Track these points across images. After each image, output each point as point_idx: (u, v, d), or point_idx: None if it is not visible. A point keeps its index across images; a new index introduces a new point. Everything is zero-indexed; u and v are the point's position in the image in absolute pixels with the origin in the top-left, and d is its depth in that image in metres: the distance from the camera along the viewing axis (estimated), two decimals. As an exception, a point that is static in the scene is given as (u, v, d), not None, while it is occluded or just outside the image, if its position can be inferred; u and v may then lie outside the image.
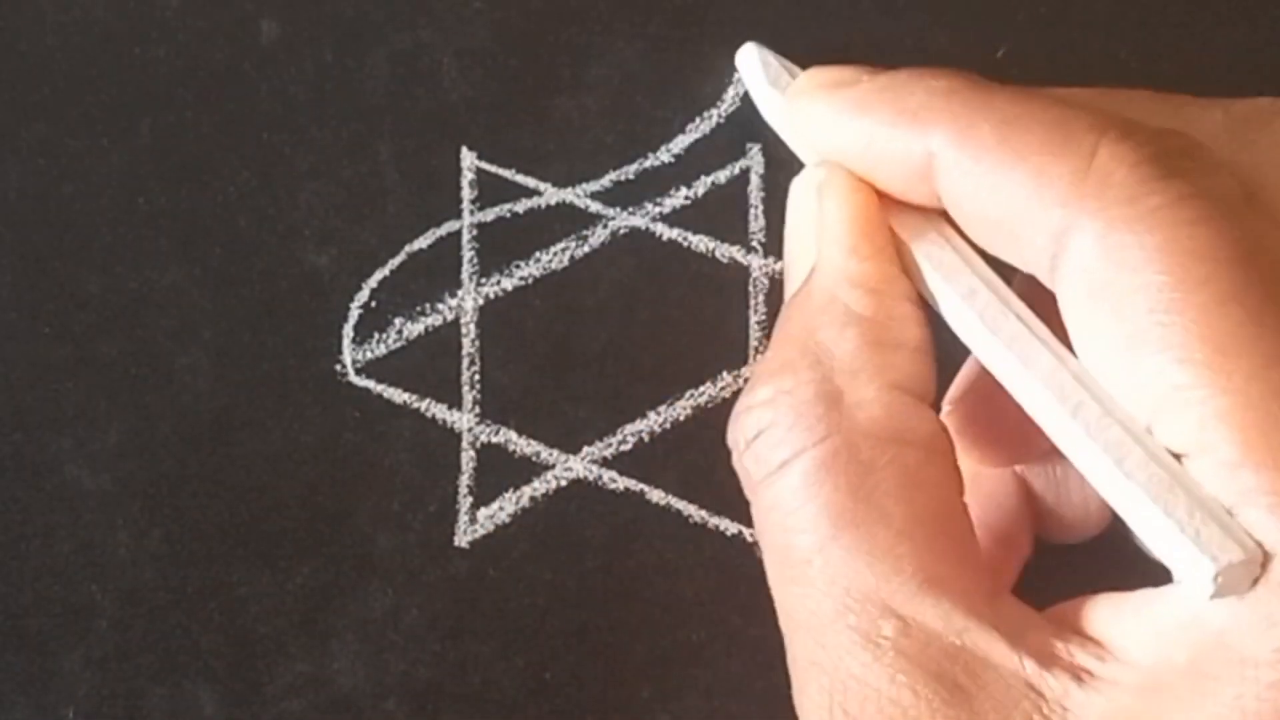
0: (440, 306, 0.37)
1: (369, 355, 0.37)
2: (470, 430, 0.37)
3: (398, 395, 0.37)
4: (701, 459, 0.37)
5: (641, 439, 0.37)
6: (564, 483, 0.37)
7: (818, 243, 0.30)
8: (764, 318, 0.37)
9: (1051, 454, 0.30)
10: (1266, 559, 0.25)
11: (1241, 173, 0.27)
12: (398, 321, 0.37)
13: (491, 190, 0.37)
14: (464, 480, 0.37)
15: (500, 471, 0.37)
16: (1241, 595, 0.25)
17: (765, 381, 0.29)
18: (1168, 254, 0.25)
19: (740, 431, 0.30)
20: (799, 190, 0.32)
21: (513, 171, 0.37)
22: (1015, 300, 0.29)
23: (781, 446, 0.29)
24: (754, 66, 0.34)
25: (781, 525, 0.29)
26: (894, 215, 0.30)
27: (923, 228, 0.30)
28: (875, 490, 0.28)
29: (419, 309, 0.37)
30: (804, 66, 0.34)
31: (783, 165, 0.37)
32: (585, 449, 0.37)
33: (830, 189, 0.31)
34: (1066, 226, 0.26)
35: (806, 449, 0.28)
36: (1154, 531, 0.26)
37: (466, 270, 0.37)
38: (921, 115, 0.29)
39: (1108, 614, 0.28)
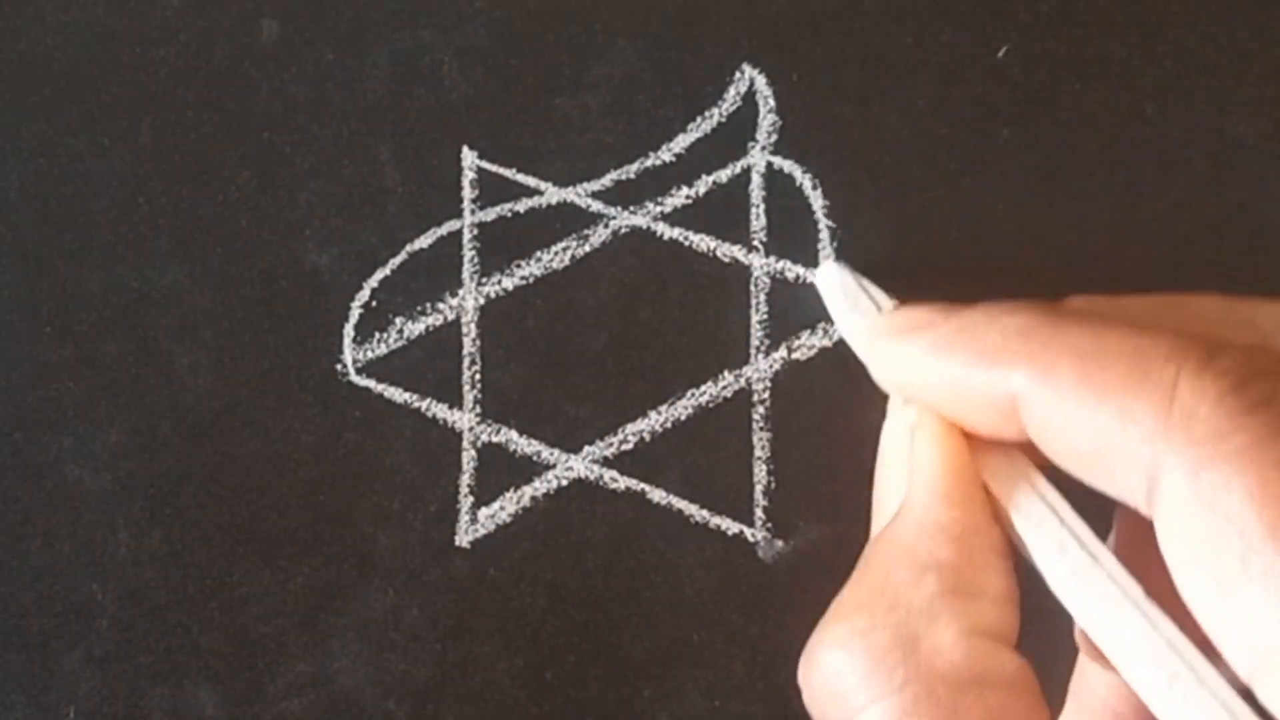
0: (441, 306, 0.37)
1: (370, 355, 0.37)
2: (471, 430, 0.37)
3: (398, 395, 0.37)
4: (702, 459, 0.37)
5: (642, 438, 0.37)
6: (565, 482, 0.37)
7: (909, 485, 0.30)
8: (765, 317, 0.37)
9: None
10: None
11: None
12: (398, 321, 0.37)
13: (492, 190, 0.37)
14: (465, 480, 0.37)
15: (501, 471, 0.37)
16: None
17: (841, 619, 0.29)
18: (1260, 498, 0.25)
19: (813, 670, 0.29)
20: (892, 429, 0.32)
21: (514, 171, 0.37)
22: (1107, 556, 0.29)
23: (858, 692, 0.28)
24: (834, 290, 0.35)
25: None
26: (983, 459, 0.30)
27: (1012, 474, 0.30)
28: None
29: (420, 308, 0.37)
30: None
31: (783, 166, 0.37)
32: (586, 448, 0.37)
33: (923, 431, 0.31)
34: (1157, 463, 0.26)
35: (885, 695, 0.28)
36: None
37: (467, 270, 0.37)
38: (1000, 356, 0.29)
39: None
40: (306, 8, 0.37)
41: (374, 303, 0.37)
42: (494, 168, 0.37)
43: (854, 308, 0.34)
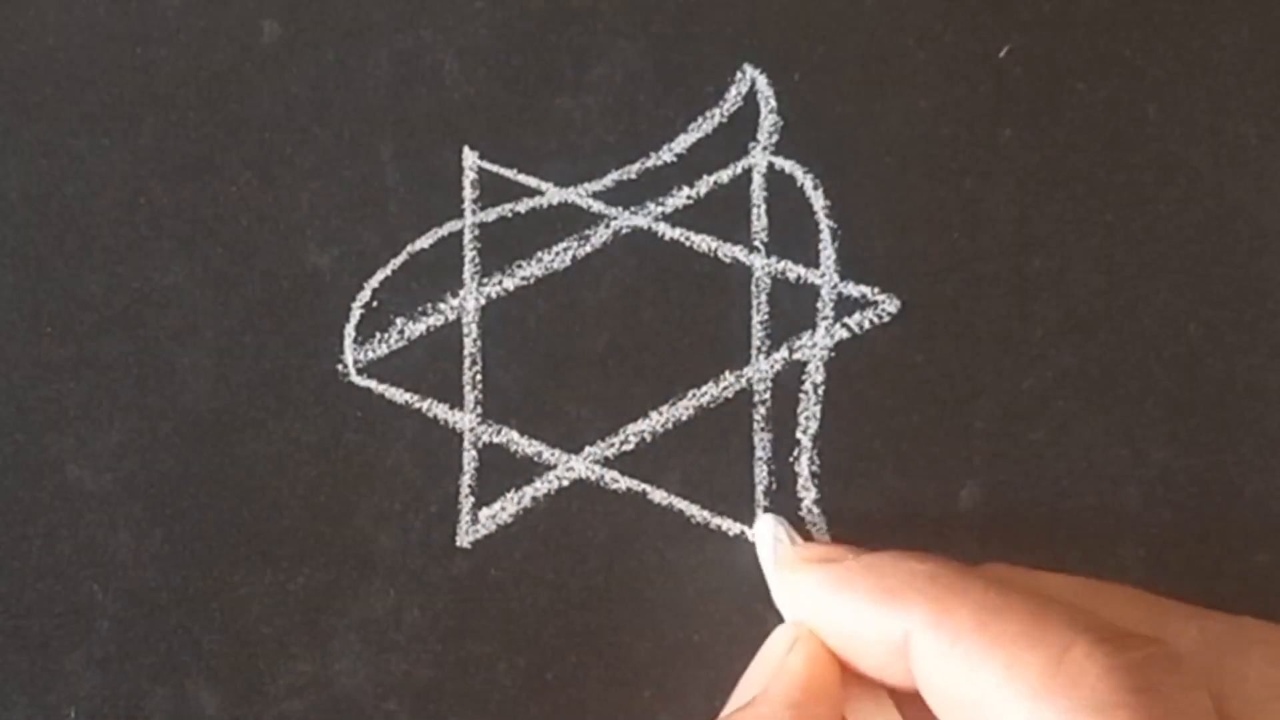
0: (442, 306, 0.37)
1: (370, 355, 0.37)
2: (472, 430, 0.37)
3: (399, 395, 0.37)
4: (703, 459, 0.37)
5: (643, 439, 0.37)
6: (566, 483, 0.37)
7: (769, 683, 0.32)
8: (766, 317, 0.37)
9: None
10: None
11: (1213, 692, 0.27)
12: (399, 321, 0.37)
13: (493, 190, 0.37)
14: (465, 480, 0.37)
15: (502, 471, 0.37)
16: None
17: None
18: None
19: None
20: (777, 637, 0.33)
21: (514, 171, 0.37)
22: None
23: None
24: (766, 542, 0.36)
25: None
26: (852, 693, 0.32)
27: (876, 715, 0.31)
28: None
29: (421, 309, 0.37)
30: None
31: (785, 166, 0.37)
32: (587, 449, 0.37)
33: (802, 645, 0.32)
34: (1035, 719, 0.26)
35: None
36: None
37: (468, 270, 0.37)
38: (902, 595, 0.29)
39: None
40: (307, 8, 0.37)
41: (375, 303, 0.37)
42: (495, 168, 0.37)
43: (779, 562, 0.35)
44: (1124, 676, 0.26)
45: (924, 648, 0.29)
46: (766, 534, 0.36)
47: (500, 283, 0.37)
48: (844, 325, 0.37)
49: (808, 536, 0.36)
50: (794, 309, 0.37)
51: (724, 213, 0.37)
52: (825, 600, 0.32)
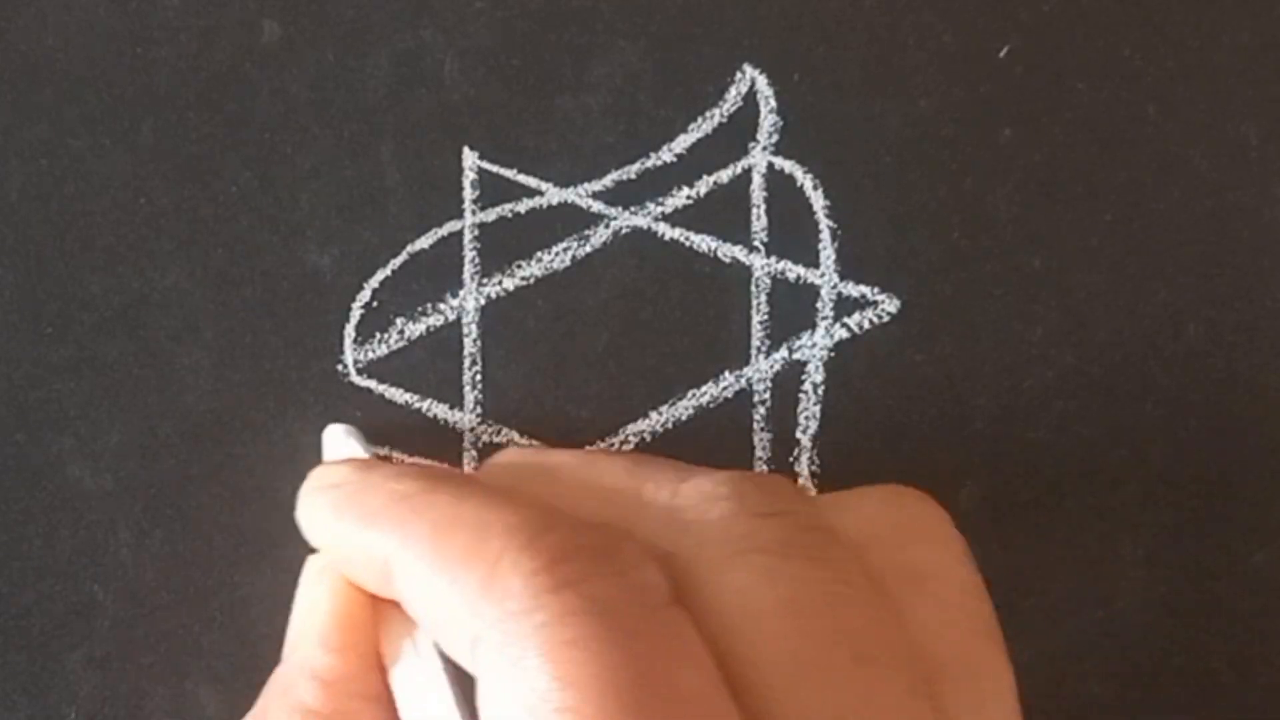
0: (442, 306, 0.37)
1: (370, 355, 0.37)
2: (472, 430, 0.37)
3: (399, 395, 0.37)
4: (703, 459, 0.37)
5: (643, 439, 0.37)
6: (566, 483, 0.37)
7: (296, 627, 0.32)
8: (766, 318, 0.37)
9: None
10: None
11: (677, 566, 0.27)
12: (399, 321, 0.37)
13: (493, 190, 0.37)
14: (466, 480, 0.37)
15: (502, 471, 0.37)
16: None
17: None
18: (546, 677, 0.25)
19: None
20: (306, 570, 0.33)
21: (514, 171, 0.37)
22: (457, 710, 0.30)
23: None
24: (333, 448, 0.36)
25: None
26: (383, 614, 0.31)
27: (401, 631, 0.31)
28: None
29: (420, 309, 0.37)
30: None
31: (784, 166, 0.37)
32: (587, 449, 0.37)
33: (321, 577, 0.32)
34: (477, 635, 0.26)
35: None
36: None
37: (468, 270, 0.37)
38: (377, 520, 0.29)
39: None
40: (307, 8, 0.37)
41: (375, 303, 0.37)
42: (495, 168, 0.37)
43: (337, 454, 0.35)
44: (545, 578, 0.26)
45: (397, 570, 0.29)
46: (331, 446, 0.35)
47: (500, 283, 0.37)
48: (844, 325, 0.37)
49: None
50: (794, 309, 0.37)
51: (724, 213, 0.37)
52: (327, 525, 0.31)
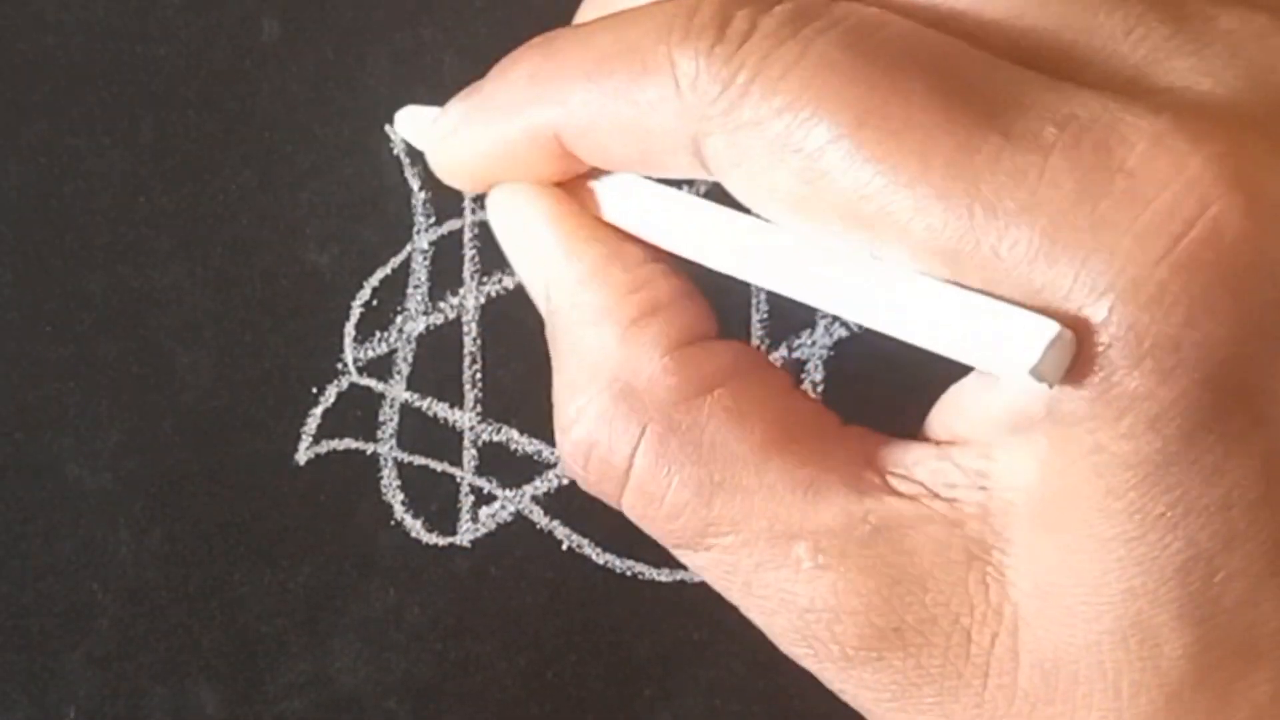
0: (442, 305, 0.37)
1: (370, 354, 0.37)
2: (472, 429, 0.37)
3: (399, 393, 0.37)
4: (703, 457, 0.37)
5: (643, 437, 0.37)
6: (565, 481, 0.37)
7: (538, 261, 0.30)
8: (765, 317, 0.37)
9: None
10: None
11: None
12: (399, 320, 0.37)
13: (493, 189, 0.37)
14: (465, 479, 0.37)
15: (502, 470, 0.37)
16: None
17: (562, 409, 0.29)
18: (806, 104, 0.25)
19: (573, 461, 0.29)
20: (496, 219, 0.31)
21: (514, 170, 0.37)
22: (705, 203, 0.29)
23: (614, 456, 0.28)
24: (407, 124, 0.33)
25: (653, 518, 0.29)
26: (587, 191, 0.30)
27: (612, 185, 0.29)
28: (714, 445, 0.28)
29: (420, 308, 0.37)
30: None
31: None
32: None
33: (516, 207, 0.30)
34: (693, 137, 0.26)
35: (635, 445, 0.28)
36: (955, 328, 0.25)
37: (468, 269, 0.37)
38: (523, 109, 0.28)
39: (957, 417, 0.27)
40: (307, 7, 0.38)
41: (375, 302, 0.37)
42: (494, 167, 0.37)
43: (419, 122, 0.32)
44: (722, 66, 0.25)
45: (572, 140, 0.28)
46: (408, 122, 0.32)
47: (500, 281, 0.37)
48: (843, 324, 0.37)
49: None
50: (794, 308, 0.37)
51: (723, 211, 0.37)
52: (479, 141, 0.29)
